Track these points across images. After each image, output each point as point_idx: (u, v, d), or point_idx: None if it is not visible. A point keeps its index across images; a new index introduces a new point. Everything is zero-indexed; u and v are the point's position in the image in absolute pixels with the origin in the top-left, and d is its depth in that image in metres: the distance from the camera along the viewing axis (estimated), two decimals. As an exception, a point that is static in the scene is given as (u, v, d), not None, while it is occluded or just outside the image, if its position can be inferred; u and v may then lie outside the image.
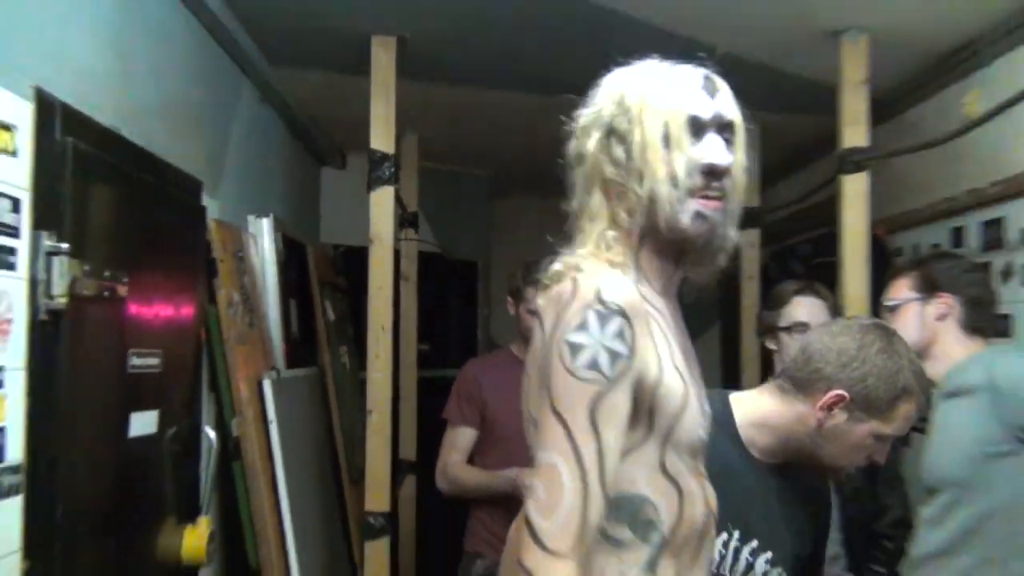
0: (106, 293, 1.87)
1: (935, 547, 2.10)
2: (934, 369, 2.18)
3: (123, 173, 2.04)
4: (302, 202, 4.48)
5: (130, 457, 2.02)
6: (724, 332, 6.02)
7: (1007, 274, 2.95)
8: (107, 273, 1.87)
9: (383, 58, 3.00)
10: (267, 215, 3.22)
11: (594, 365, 1.13)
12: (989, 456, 2.02)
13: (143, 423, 2.08)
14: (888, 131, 3.70)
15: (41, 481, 1.62)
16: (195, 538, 2.31)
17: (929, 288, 2.23)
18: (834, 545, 2.48)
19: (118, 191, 1.99)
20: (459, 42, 3.12)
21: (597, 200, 1.29)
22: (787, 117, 4.03)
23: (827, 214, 3.12)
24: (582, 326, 1.15)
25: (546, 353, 1.17)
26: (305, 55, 3.38)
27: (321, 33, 3.12)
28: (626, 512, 1.23)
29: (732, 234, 1.30)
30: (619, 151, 1.27)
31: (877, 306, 2.43)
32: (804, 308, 2.58)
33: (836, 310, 2.62)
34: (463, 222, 5.42)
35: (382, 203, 2.95)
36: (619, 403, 1.15)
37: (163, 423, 2.16)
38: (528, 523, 1.13)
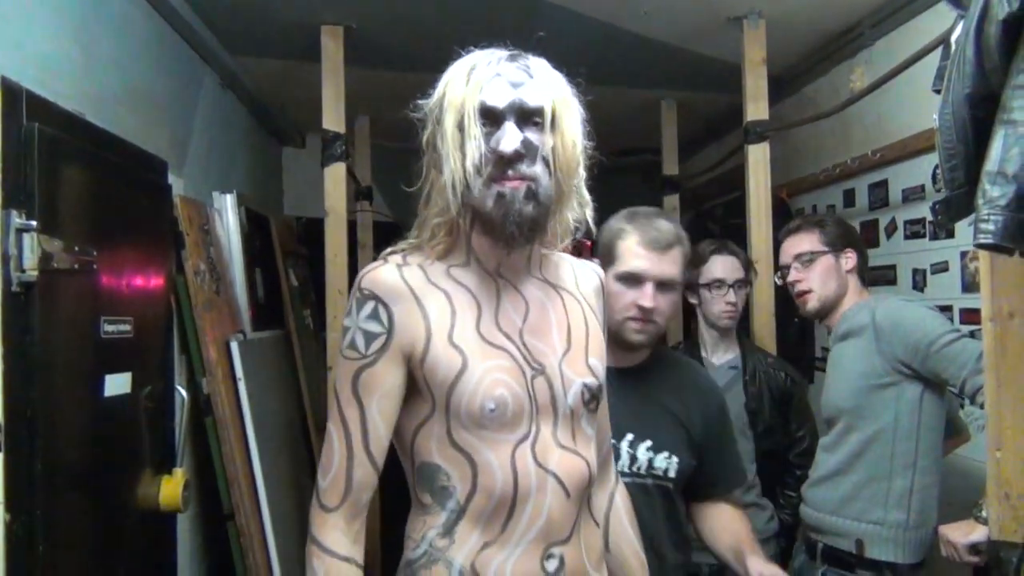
0: (77, 266, 1.83)
1: (830, 469, 2.17)
2: (834, 318, 2.24)
3: (89, 155, 1.98)
4: (265, 179, 4.41)
5: (106, 415, 1.99)
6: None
7: (891, 230, 3.01)
8: (77, 248, 1.83)
9: (332, 46, 2.95)
10: (230, 191, 3.17)
11: (353, 345, 1.19)
12: (873, 387, 2.08)
13: (117, 384, 2.04)
14: (790, 106, 3.75)
15: (20, 439, 1.59)
16: (171, 487, 2.29)
17: (840, 243, 2.26)
18: (750, 475, 2.54)
19: (86, 172, 1.94)
20: (401, 30, 3.08)
21: (429, 187, 1.27)
22: (701, 95, 4.06)
23: (738, 180, 3.15)
24: (348, 311, 1.21)
25: None
26: (261, 44, 3.30)
27: (275, 24, 3.05)
28: (426, 479, 1.24)
29: (537, 214, 1.23)
30: (437, 140, 1.24)
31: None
32: (720, 265, 2.61)
33: (747, 264, 2.65)
34: (414, 194, 5.37)
35: (335, 178, 2.92)
36: (379, 375, 1.19)
37: (137, 383, 2.13)
38: (315, 482, 1.22)
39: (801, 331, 3.44)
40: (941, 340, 1.96)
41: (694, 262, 2.67)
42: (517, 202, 1.20)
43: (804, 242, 2.31)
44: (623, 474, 1.65)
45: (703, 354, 2.64)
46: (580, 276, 1.43)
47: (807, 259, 2.27)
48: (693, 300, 2.68)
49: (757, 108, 2.98)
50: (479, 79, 1.21)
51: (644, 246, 1.69)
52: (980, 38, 1.25)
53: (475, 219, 1.25)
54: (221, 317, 2.82)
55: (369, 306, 1.20)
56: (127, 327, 2.10)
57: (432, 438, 1.22)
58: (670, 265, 1.69)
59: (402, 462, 1.29)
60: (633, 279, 1.69)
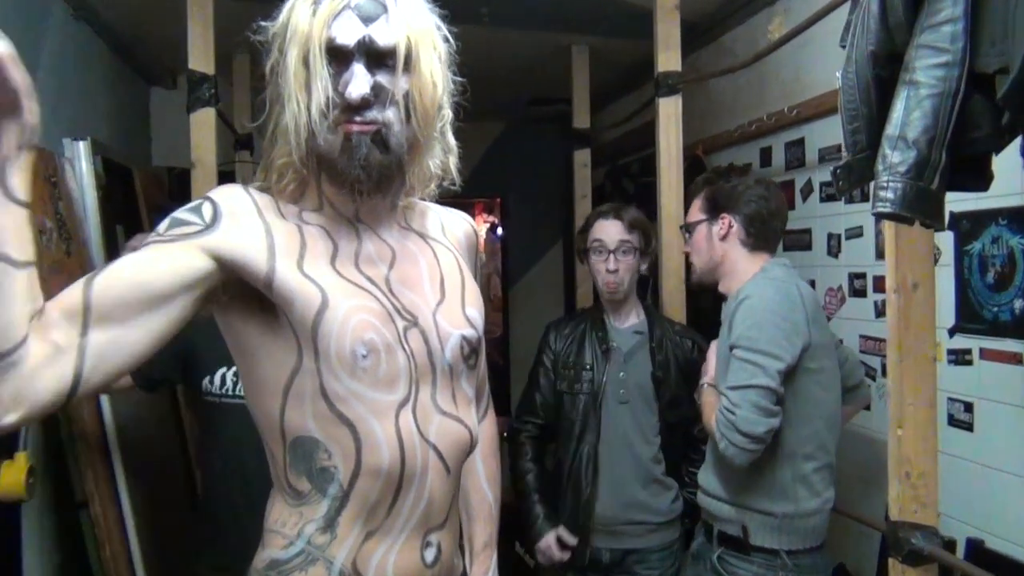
0: None
1: (716, 454, 2.19)
2: (727, 286, 2.27)
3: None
4: (129, 124, 4.21)
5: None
6: (566, 251, 6.14)
7: (807, 192, 3.08)
8: None
9: (199, -29, 2.81)
10: (84, 138, 3.01)
11: (157, 229, 1.14)
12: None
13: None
14: (707, 56, 3.78)
15: None
16: (12, 473, 2.20)
17: (713, 209, 2.28)
18: (653, 448, 2.59)
19: None
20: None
21: (273, 125, 1.21)
22: (614, 41, 4.06)
23: (653, 135, 3.17)
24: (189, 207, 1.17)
25: None
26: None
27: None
28: (302, 459, 1.17)
29: (389, 160, 1.20)
30: (280, 74, 1.19)
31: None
32: (602, 228, 2.64)
33: (641, 229, 2.66)
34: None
35: (203, 126, 2.80)
36: (172, 252, 1.10)
37: (-34, 358, 2.01)
38: None
39: (715, 297, 3.51)
40: (737, 349, 2.03)
41: (583, 226, 2.72)
42: (364, 146, 1.16)
43: (691, 210, 2.37)
44: None
45: (604, 318, 2.69)
46: (448, 224, 1.41)
47: (689, 229, 2.34)
48: (585, 264, 2.73)
49: (669, 58, 2.99)
50: (327, 10, 1.16)
51: None
52: (883, -9, 1.26)
53: (321, 165, 1.21)
54: (72, 281, 2.69)
55: (194, 203, 1.16)
56: (-48, 294, 1.97)
57: (306, 400, 1.15)
58: None
59: (267, 446, 1.22)
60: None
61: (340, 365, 1.15)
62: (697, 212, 2.32)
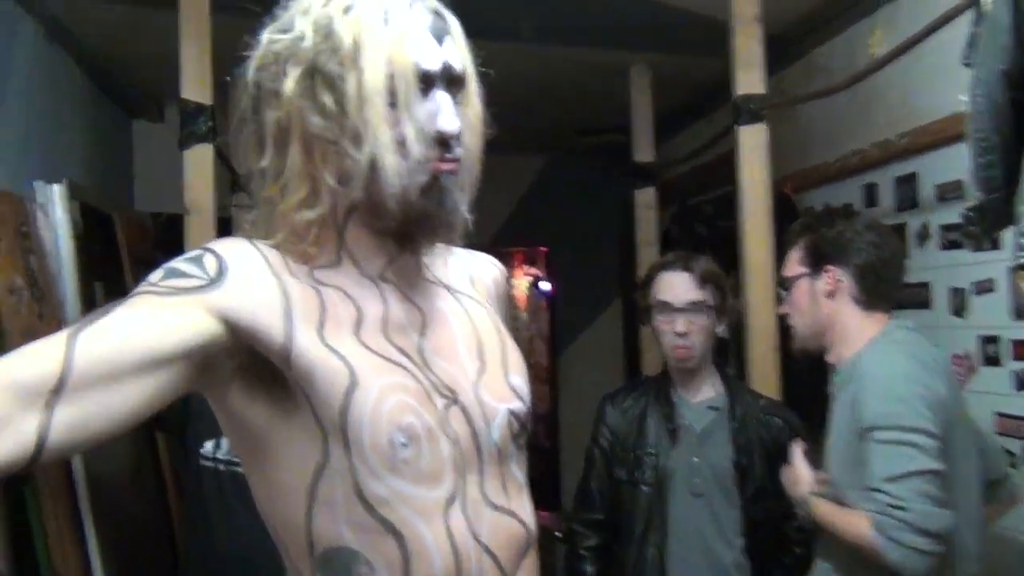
0: None
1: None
2: (838, 354, 2.23)
3: None
4: (109, 163, 4.32)
5: None
6: (626, 309, 6.13)
7: (923, 237, 3.06)
8: None
9: (194, -11, 2.90)
10: (59, 180, 3.09)
11: (149, 278, 1.11)
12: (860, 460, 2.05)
13: None
14: (795, 75, 3.79)
15: None
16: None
17: (816, 260, 2.25)
18: (735, 551, 2.55)
19: None
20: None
21: (296, 159, 1.18)
22: (682, 58, 4.09)
23: (729, 169, 3.18)
24: (184, 257, 1.16)
25: None
26: (102, -17, 3.25)
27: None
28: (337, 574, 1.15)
29: (464, 207, 1.22)
30: (327, 99, 1.16)
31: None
32: (666, 284, 2.62)
33: (715, 283, 2.65)
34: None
35: (199, 164, 2.86)
36: (169, 308, 1.08)
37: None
38: None
39: (813, 365, 3.46)
40: (877, 431, 1.98)
41: (643, 281, 2.72)
42: (453, 188, 1.19)
43: (787, 261, 2.33)
44: None
45: (672, 390, 2.67)
46: (475, 271, 1.41)
47: (787, 285, 2.31)
48: (650, 328, 2.71)
49: (749, 78, 3.01)
50: (403, 27, 1.17)
51: None
52: (1018, 2, 1.26)
53: (354, 210, 1.20)
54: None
55: (195, 253, 1.14)
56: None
57: (338, 503, 1.12)
58: None
59: (287, 559, 1.19)
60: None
61: (377, 458, 1.13)
62: (796, 265, 2.29)
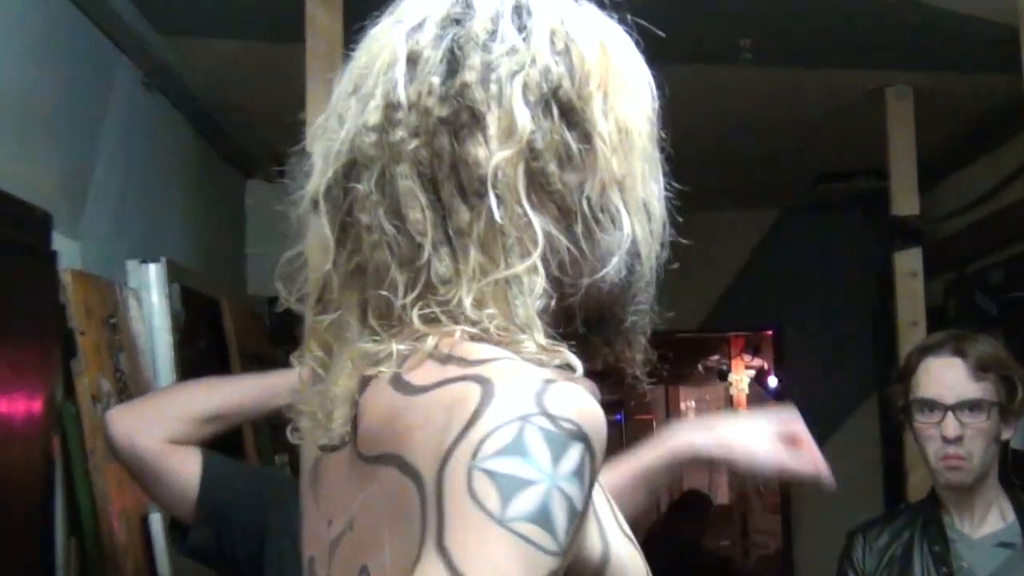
0: None
1: None
2: None
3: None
4: (216, 236, 4.50)
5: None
6: (883, 412, 5.99)
7: None
8: None
9: (323, 19, 3.03)
10: (157, 259, 3.23)
11: (547, 518, 0.99)
12: None
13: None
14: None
15: None
16: None
17: None
18: None
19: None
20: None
21: (532, 219, 1.11)
22: (954, 78, 4.03)
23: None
24: (515, 448, 1.00)
25: (429, 487, 1.01)
26: (211, 16, 3.41)
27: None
28: None
29: None
30: (573, 142, 1.15)
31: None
32: (931, 374, 2.57)
33: (999, 369, 2.57)
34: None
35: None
36: None
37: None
38: None
39: None
40: None
41: (901, 371, 2.69)
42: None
43: None
44: None
45: (945, 520, 2.61)
46: None
47: None
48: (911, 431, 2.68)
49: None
50: (642, 74, 1.21)
51: None
52: None
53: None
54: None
55: (576, 454, 1.02)
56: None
57: None
58: None
59: None
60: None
61: None
62: None
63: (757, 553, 9.20)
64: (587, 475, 1.01)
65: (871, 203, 4.77)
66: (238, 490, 2.41)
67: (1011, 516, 2.59)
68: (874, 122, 4.28)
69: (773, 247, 6.29)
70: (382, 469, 1.04)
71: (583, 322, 1.16)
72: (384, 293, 1.10)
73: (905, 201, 4.26)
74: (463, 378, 1.02)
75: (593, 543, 1.10)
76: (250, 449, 3.76)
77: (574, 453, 1.00)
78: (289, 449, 4.18)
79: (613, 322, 1.19)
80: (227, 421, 2.44)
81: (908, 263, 4.22)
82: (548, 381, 1.02)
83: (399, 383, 1.06)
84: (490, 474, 0.96)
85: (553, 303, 1.12)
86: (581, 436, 1.01)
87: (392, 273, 1.10)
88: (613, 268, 1.14)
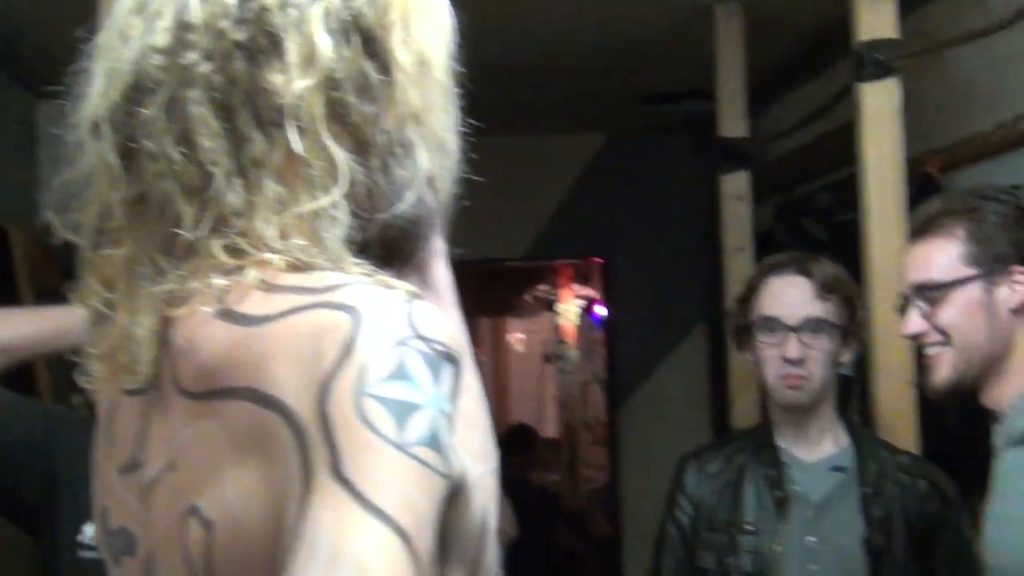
0: None
1: None
2: (1000, 392, 2.20)
3: None
4: (3, 160, 4.43)
5: None
6: (712, 336, 6.11)
7: None
8: None
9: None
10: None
11: (436, 442, 1.04)
12: None
13: None
14: (940, 13, 3.77)
15: None
16: None
17: (995, 258, 2.21)
18: None
19: None
20: None
21: (334, 151, 1.13)
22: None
23: (851, 144, 3.17)
24: (400, 373, 1.05)
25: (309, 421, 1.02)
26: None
27: None
28: None
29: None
30: (373, 73, 1.15)
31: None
32: (776, 294, 2.64)
33: (843, 291, 2.66)
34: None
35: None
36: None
37: None
38: None
39: (968, 411, 3.43)
40: None
41: (744, 291, 2.76)
42: None
43: (932, 256, 2.27)
44: None
45: (780, 444, 2.68)
46: None
47: (935, 291, 2.25)
48: (748, 355, 2.76)
49: (877, 18, 3.00)
50: (443, 5, 1.23)
51: None
52: None
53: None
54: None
55: (449, 376, 1.08)
56: None
57: None
58: None
59: None
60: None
61: None
62: (957, 262, 2.24)
63: (586, 486, 9.38)
64: (458, 396, 1.07)
65: (700, 126, 4.83)
66: (26, 430, 2.36)
67: (845, 441, 2.68)
68: (701, 41, 4.32)
69: (601, 172, 6.34)
70: (222, 404, 1.04)
71: (377, 257, 1.16)
72: (172, 228, 1.09)
73: (732, 123, 4.32)
74: (318, 305, 1.04)
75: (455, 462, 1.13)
76: (44, 388, 3.69)
77: (448, 375, 1.06)
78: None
79: (407, 257, 1.22)
80: (14, 355, 2.38)
81: (735, 186, 4.29)
82: (409, 303, 1.07)
83: (231, 316, 1.05)
84: (381, 400, 1.00)
85: (354, 236, 1.13)
86: (451, 357, 1.07)
87: (179, 204, 1.09)
88: (408, 202, 1.16)
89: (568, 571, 7.29)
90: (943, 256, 2.24)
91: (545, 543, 6.62)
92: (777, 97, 5.13)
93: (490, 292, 10.51)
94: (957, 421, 3.38)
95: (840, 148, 4.26)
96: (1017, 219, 2.21)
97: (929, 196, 3.32)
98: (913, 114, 3.05)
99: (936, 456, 2.90)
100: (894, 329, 2.87)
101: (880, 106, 3.00)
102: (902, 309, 2.32)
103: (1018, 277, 2.17)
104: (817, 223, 4.91)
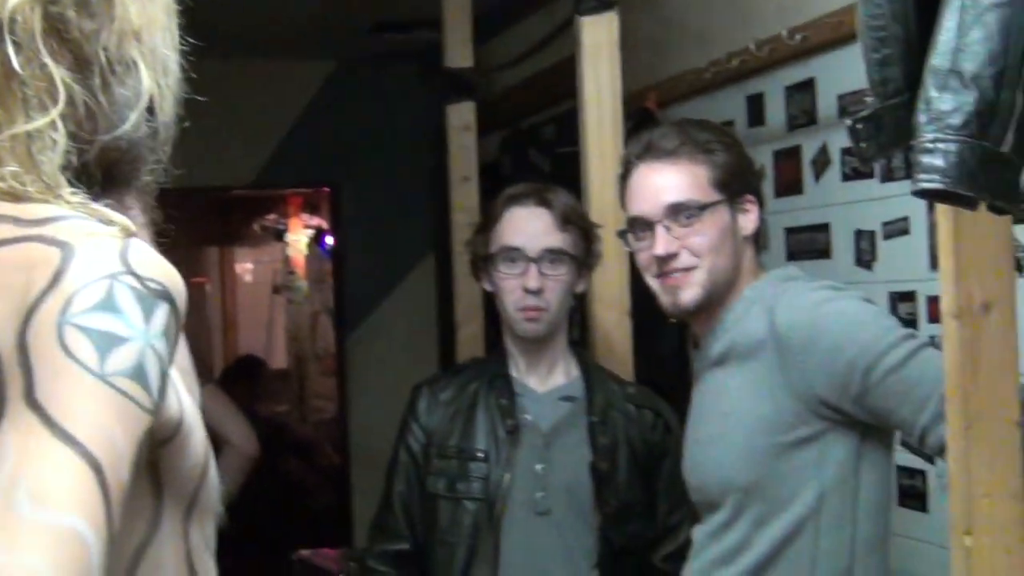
0: None
1: None
2: (711, 313, 2.29)
3: None
4: None
5: None
6: (440, 267, 6.09)
7: (821, 165, 3.14)
8: None
9: None
10: None
11: (142, 374, 1.03)
12: (781, 447, 2.14)
13: None
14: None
15: None
16: None
17: (737, 184, 2.30)
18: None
19: None
20: None
21: (52, 69, 1.08)
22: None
23: (574, 77, 3.20)
24: (107, 305, 1.03)
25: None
26: None
27: None
28: None
29: None
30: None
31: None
32: (516, 224, 2.66)
33: (580, 223, 2.71)
34: None
35: None
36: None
37: None
38: None
39: (681, 340, 3.53)
40: (889, 358, 2.04)
41: (483, 222, 2.78)
42: None
43: (684, 179, 2.30)
44: None
45: (513, 374, 2.71)
46: None
47: (690, 212, 2.28)
48: (487, 286, 2.78)
49: (595, -49, 3.03)
50: None
51: None
52: None
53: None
54: None
55: (163, 314, 1.06)
56: None
57: None
58: None
59: None
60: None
61: (208, 522, 1.23)
62: (708, 188, 2.29)
63: (315, 417, 9.29)
64: (173, 335, 1.06)
65: (429, 56, 4.79)
66: None
67: (575, 372, 2.72)
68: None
69: (330, 100, 6.22)
70: None
71: (96, 180, 1.13)
72: None
73: (458, 53, 4.28)
74: (29, 238, 1.01)
75: (172, 403, 1.11)
76: None
77: (161, 312, 1.04)
78: None
79: (127, 181, 1.18)
80: None
81: (461, 116, 4.27)
82: (125, 240, 1.05)
83: None
84: (83, 329, 0.98)
85: (72, 160, 1.09)
86: (167, 296, 1.06)
87: None
88: (131, 124, 1.13)
89: (297, 501, 7.24)
90: (696, 180, 2.29)
91: (273, 473, 6.54)
92: (502, 29, 5.12)
93: (217, 221, 10.28)
94: (668, 350, 3.51)
95: (562, 81, 4.33)
96: (739, 153, 2.32)
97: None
98: (632, 50, 3.10)
99: (650, 383, 2.99)
100: (614, 260, 2.96)
101: (599, 40, 3.03)
102: (627, 234, 2.37)
103: (749, 206, 2.28)
104: (542, 154, 4.97)
